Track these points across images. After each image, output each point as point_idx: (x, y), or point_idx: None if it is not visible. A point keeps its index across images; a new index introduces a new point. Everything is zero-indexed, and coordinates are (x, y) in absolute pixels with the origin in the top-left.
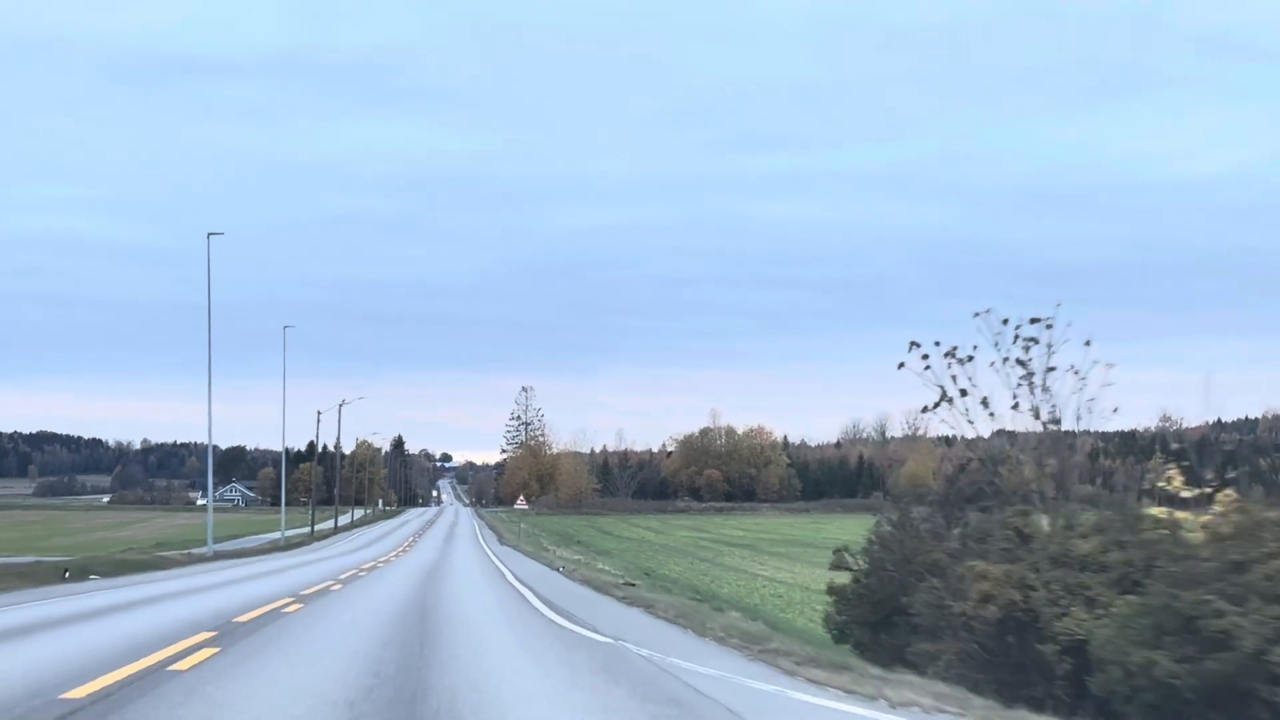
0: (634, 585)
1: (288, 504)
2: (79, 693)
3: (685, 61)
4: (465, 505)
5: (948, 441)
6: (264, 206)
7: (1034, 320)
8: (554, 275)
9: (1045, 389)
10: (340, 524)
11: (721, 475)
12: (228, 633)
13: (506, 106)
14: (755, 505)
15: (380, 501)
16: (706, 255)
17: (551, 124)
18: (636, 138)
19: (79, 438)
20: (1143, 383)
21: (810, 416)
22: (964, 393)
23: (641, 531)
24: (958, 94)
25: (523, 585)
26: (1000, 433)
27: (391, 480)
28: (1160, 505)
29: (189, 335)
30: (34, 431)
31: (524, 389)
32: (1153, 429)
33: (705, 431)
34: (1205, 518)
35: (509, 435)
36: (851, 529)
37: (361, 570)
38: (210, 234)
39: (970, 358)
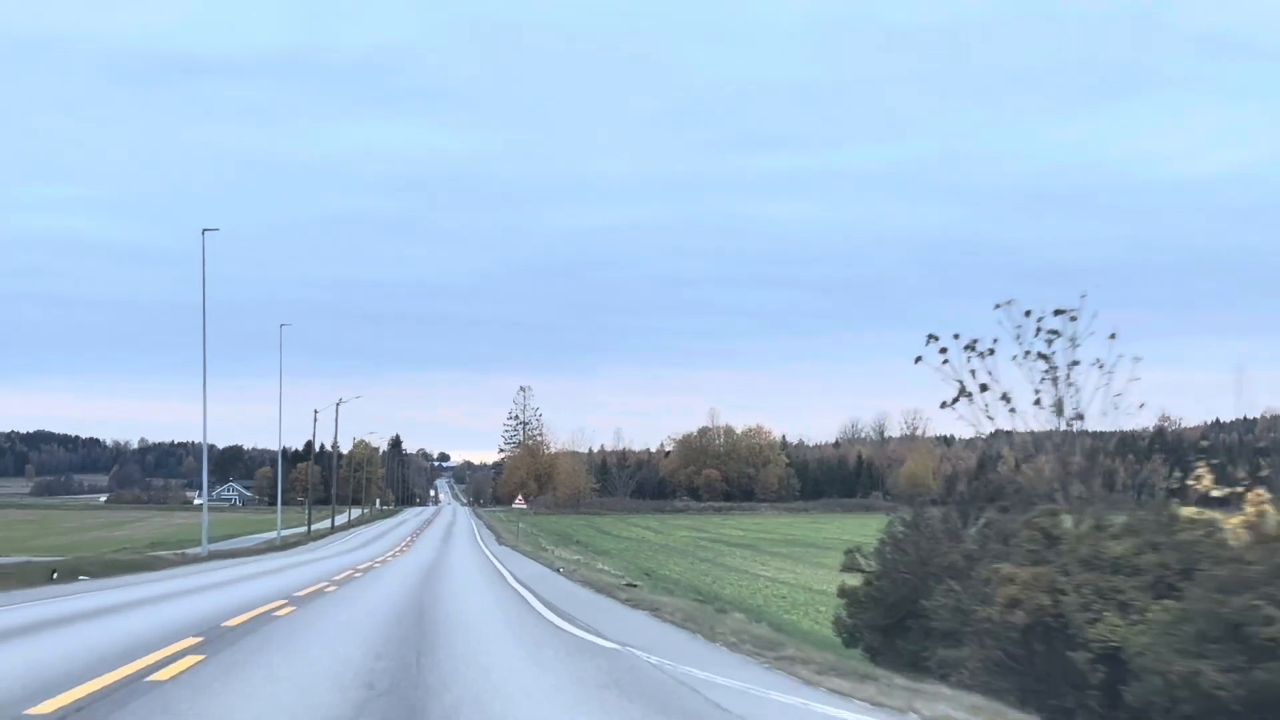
0: (636, 586)
1: (285, 504)
2: (46, 707)
3: (685, 61)
4: (463, 505)
5: (947, 441)
6: (264, 206)
7: (1058, 312)
8: (554, 275)
9: (1069, 383)
10: (337, 523)
11: (720, 475)
12: (215, 638)
13: (506, 106)
14: (754, 505)
15: (378, 501)
16: (706, 255)
17: (551, 124)
18: (636, 138)
19: (76, 437)
20: (1143, 383)
21: (809, 416)
22: (984, 387)
23: (640, 531)
24: (958, 94)
25: (522, 586)
26: (1004, 432)
27: (389, 480)
28: (1189, 505)
29: (188, 335)
30: (31, 431)
31: (522, 388)
32: (1150, 429)
33: (704, 431)
34: (1238, 518)
35: (507, 435)
36: (851, 529)
37: (358, 571)
38: (205, 230)
39: (991, 351)
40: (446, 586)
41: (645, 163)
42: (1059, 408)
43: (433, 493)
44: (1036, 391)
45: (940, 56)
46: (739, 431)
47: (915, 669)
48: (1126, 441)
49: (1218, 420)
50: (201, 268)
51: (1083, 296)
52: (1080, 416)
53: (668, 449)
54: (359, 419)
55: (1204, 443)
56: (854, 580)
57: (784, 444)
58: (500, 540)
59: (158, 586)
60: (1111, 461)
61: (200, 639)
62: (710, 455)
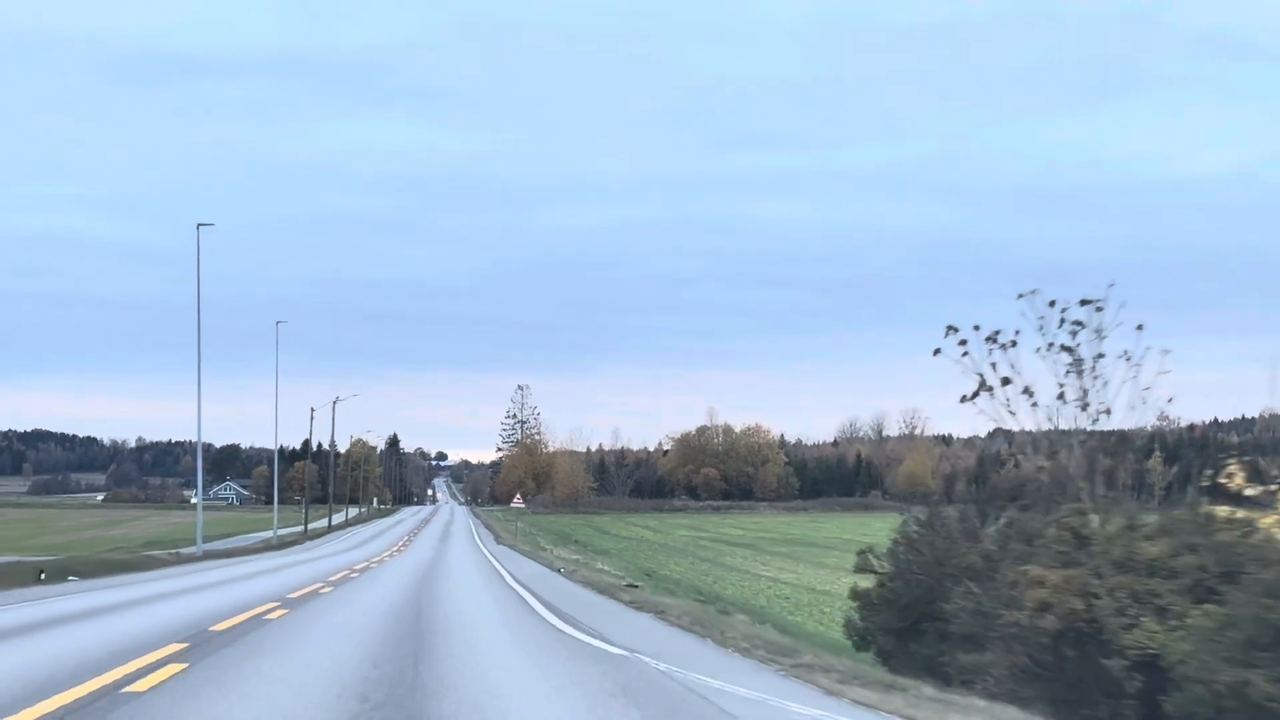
0: (637, 587)
1: (282, 502)
2: None
3: (685, 61)
4: (461, 504)
5: (945, 440)
6: (263, 205)
7: (1084, 302)
8: (553, 275)
9: (1095, 376)
10: (334, 522)
11: (719, 474)
12: (201, 643)
13: (506, 106)
14: (753, 504)
15: (375, 500)
16: (706, 255)
17: (551, 124)
18: (636, 137)
19: (74, 436)
20: (1172, 376)
21: (808, 415)
22: (1006, 381)
23: (639, 531)
24: (957, 94)
25: (522, 587)
26: (1026, 432)
27: (386, 479)
28: (1218, 504)
29: (186, 335)
30: (29, 430)
31: (520, 387)
32: (1148, 428)
33: (702, 430)
34: (1272, 517)
35: (505, 434)
36: (850, 528)
37: (354, 571)
38: (200, 225)
39: (1013, 343)
40: (444, 587)
41: (645, 162)
42: (1084, 402)
43: (430, 492)
44: (1060, 385)
45: (939, 56)
46: (738, 430)
47: (932, 674)
48: (1125, 441)
49: (1216, 420)
50: (197, 263)
51: (1110, 286)
52: (1107, 411)
53: (666, 448)
54: (358, 418)
55: (1234, 439)
56: (866, 582)
57: (783, 443)
58: (498, 540)
59: (148, 588)
60: (1138, 459)
61: (186, 645)
62: (709, 454)
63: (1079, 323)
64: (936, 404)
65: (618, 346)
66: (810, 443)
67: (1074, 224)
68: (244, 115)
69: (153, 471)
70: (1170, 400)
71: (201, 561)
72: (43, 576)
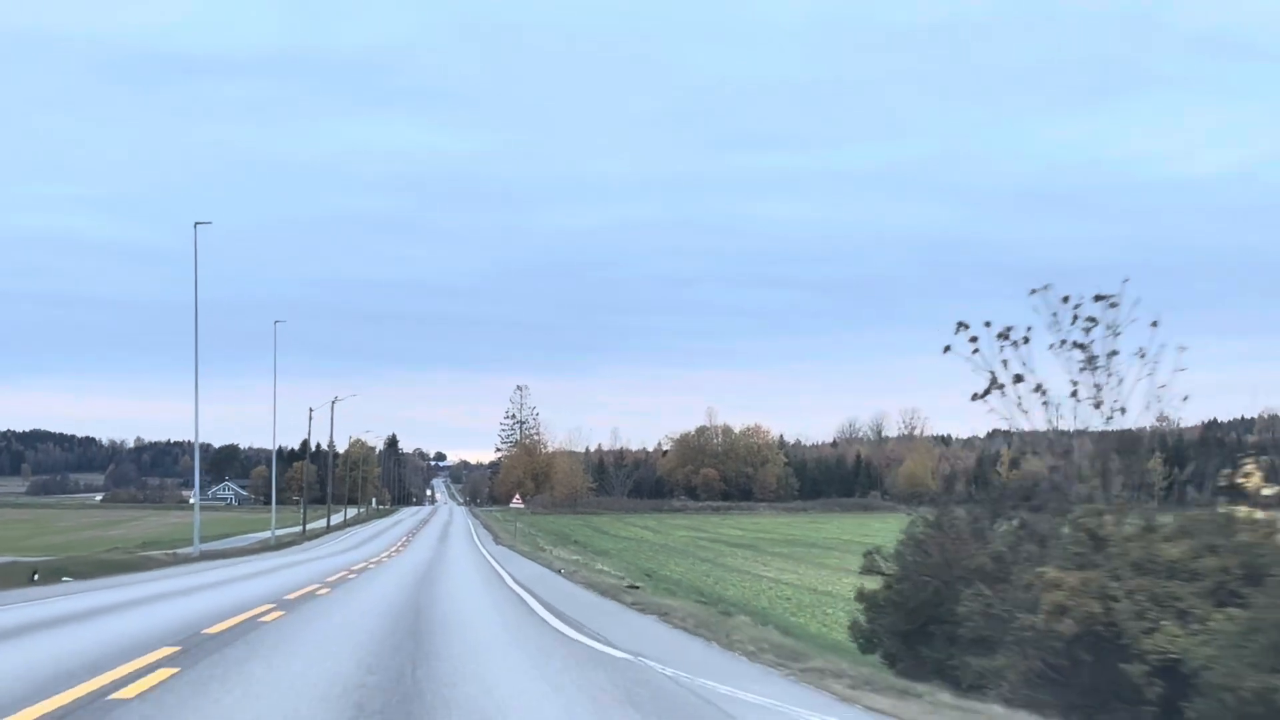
0: (638, 588)
1: (280, 503)
2: None
3: (685, 61)
4: (459, 504)
5: (945, 441)
6: (263, 205)
7: (1098, 298)
8: (553, 275)
9: (1109, 373)
10: (333, 523)
11: (718, 474)
12: (193, 647)
13: (506, 106)
14: (752, 505)
15: (374, 500)
16: (706, 255)
17: (551, 124)
18: (636, 137)
19: (73, 436)
20: (1188, 374)
21: (808, 416)
22: (1019, 378)
23: (639, 531)
24: (957, 94)
25: (522, 589)
26: (1040, 433)
27: (385, 479)
28: (1235, 505)
29: (186, 335)
30: (28, 430)
31: (519, 387)
32: (1149, 428)
33: (702, 430)
34: None
35: (504, 434)
36: (850, 528)
37: (352, 571)
38: (197, 223)
39: (1026, 339)
40: (443, 588)
41: (645, 162)
42: (1097, 400)
43: (429, 492)
44: (1074, 383)
45: (939, 56)
46: (737, 431)
47: (940, 677)
48: (1125, 441)
49: (1215, 420)
50: (194, 261)
51: (1125, 281)
52: (1122, 410)
53: (665, 448)
54: (357, 418)
55: (1251, 438)
56: (873, 583)
57: (782, 443)
58: (497, 540)
59: (142, 589)
60: (1153, 458)
61: (177, 649)
62: (708, 455)
63: (1092, 319)
64: (936, 404)
65: (618, 346)
66: (810, 443)
67: (1074, 224)
68: (244, 115)
69: (151, 472)
70: (1186, 399)
71: (198, 562)
72: (36, 577)
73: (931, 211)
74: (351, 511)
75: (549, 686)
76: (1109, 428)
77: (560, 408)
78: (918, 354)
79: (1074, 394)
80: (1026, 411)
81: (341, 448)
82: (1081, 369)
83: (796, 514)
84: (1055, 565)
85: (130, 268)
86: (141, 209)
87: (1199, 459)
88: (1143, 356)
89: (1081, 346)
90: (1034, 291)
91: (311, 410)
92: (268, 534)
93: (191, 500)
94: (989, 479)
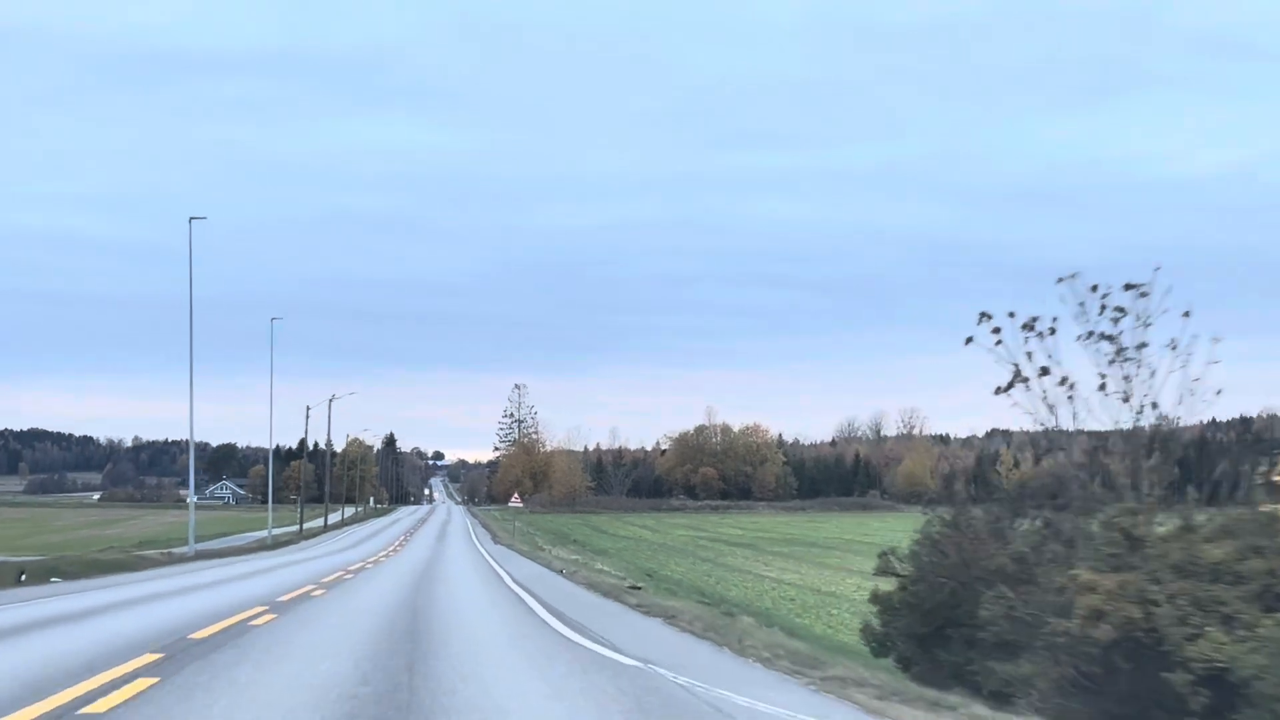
0: (640, 588)
1: (278, 502)
2: None
3: (684, 61)
4: (457, 503)
5: (944, 440)
6: (261, 204)
7: (1128, 286)
8: (552, 274)
9: (1139, 366)
10: (330, 522)
11: (717, 473)
12: (178, 653)
13: (505, 105)
14: (751, 504)
15: (371, 499)
16: (705, 254)
17: (550, 123)
18: (635, 136)
19: (70, 435)
20: (1221, 366)
21: (807, 415)
22: (1045, 371)
23: (638, 530)
24: (956, 93)
25: (522, 589)
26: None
27: (383, 478)
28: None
29: (184, 333)
30: (25, 429)
31: (517, 386)
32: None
33: (700, 429)
34: None
35: (502, 433)
36: (850, 528)
37: (349, 571)
38: (192, 218)
39: (1052, 330)
40: (442, 589)
41: (644, 161)
42: (1127, 394)
43: (427, 491)
44: (1102, 376)
45: (938, 55)
46: (736, 430)
47: (959, 682)
48: (1126, 440)
49: (1214, 420)
50: (189, 257)
51: (1156, 269)
52: (1154, 405)
53: (664, 448)
54: (356, 418)
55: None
56: (887, 584)
57: (781, 443)
58: (496, 539)
59: (133, 589)
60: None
61: (160, 655)
62: (707, 454)
63: (1121, 309)
64: (935, 404)
65: (617, 346)
66: (808, 442)
67: (1073, 223)
68: (243, 114)
69: (149, 471)
70: (1219, 392)
71: (193, 562)
72: (23, 578)
73: (931, 211)
74: (349, 511)
75: (553, 694)
76: (1140, 423)
77: (559, 407)
78: (917, 354)
79: (1102, 388)
80: (1053, 406)
81: (339, 447)
82: (1110, 361)
83: (795, 513)
84: (1088, 567)
85: (129, 266)
86: (141, 208)
87: (1236, 455)
88: (1174, 349)
89: (1110, 338)
90: (1060, 280)
91: (309, 409)
92: (264, 533)
93: (189, 499)
94: (988, 478)
